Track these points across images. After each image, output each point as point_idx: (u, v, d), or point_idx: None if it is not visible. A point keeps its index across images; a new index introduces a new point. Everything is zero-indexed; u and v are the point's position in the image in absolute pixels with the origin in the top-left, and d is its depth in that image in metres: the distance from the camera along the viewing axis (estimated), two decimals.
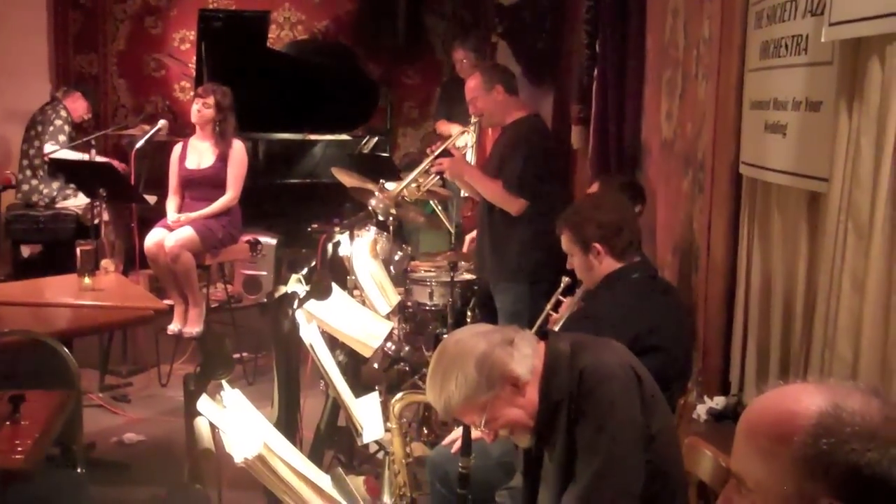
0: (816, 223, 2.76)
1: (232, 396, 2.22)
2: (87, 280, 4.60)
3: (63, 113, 7.19)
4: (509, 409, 2.33)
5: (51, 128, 7.09)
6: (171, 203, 5.98)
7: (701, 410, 3.37)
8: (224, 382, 2.26)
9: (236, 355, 5.64)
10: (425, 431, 4.63)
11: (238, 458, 1.98)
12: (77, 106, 7.34)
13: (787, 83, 2.93)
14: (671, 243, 4.40)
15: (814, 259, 2.78)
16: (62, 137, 7.10)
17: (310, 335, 2.95)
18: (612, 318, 3.02)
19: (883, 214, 2.27)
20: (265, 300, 6.59)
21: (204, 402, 2.13)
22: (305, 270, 3.89)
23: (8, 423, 2.83)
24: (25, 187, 7.11)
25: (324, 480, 2.33)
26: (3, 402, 2.94)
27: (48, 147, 7.00)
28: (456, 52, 7.22)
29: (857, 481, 1.24)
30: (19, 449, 2.71)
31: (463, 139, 5.35)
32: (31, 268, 6.97)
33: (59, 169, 6.68)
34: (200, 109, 5.88)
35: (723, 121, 3.59)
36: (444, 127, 7.03)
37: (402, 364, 5.09)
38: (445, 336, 2.51)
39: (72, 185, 7.00)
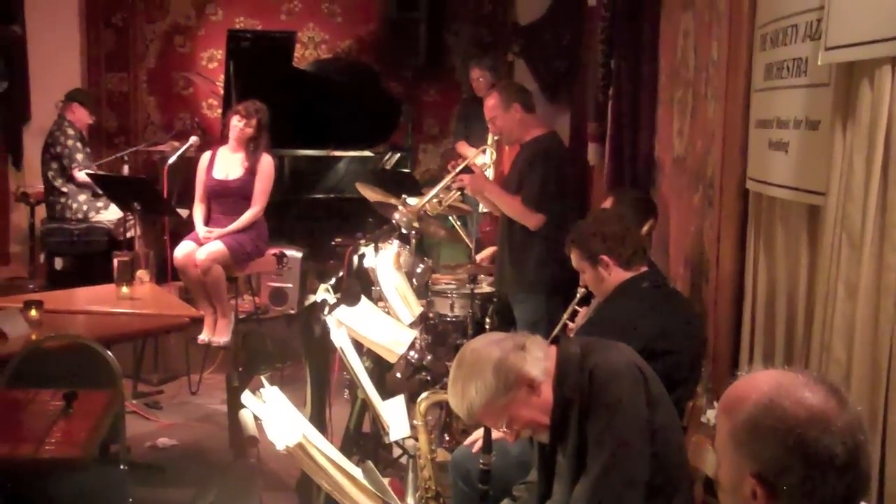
0: (816, 235, 2.93)
1: (271, 393, 2.42)
2: (124, 289, 4.81)
3: (70, 131, 7.36)
4: (527, 409, 2.52)
5: (66, 150, 7.27)
6: (198, 212, 6.17)
7: (710, 415, 3.52)
8: (264, 379, 2.46)
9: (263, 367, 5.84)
10: (446, 438, 4.79)
11: (280, 446, 2.18)
12: (79, 115, 7.50)
13: (789, 103, 3.09)
14: (683, 256, 4.56)
15: (813, 269, 2.94)
16: (80, 156, 7.31)
17: (340, 340, 3.15)
18: (623, 325, 3.19)
19: (872, 226, 2.44)
20: (291, 311, 6.79)
21: (247, 396, 2.33)
22: (333, 280, 4.08)
23: (62, 417, 3.04)
24: (58, 206, 7.33)
25: (356, 472, 2.52)
26: (57, 398, 3.16)
27: (78, 169, 7.22)
28: (472, 71, 7.44)
29: (768, 468, 1.47)
30: (74, 441, 2.91)
31: (482, 157, 5.52)
32: (64, 279, 7.17)
33: (97, 183, 6.88)
34: (243, 128, 6.05)
35: (730, 139, 3.75)
36: (464, 149, 7.23)
37: (423, 373, 5.26)
38: (462, 346, 2.70)
39: (102, 199, 7.22)
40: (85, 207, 7.34)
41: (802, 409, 1.47)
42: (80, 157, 7.31)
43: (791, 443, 1.45)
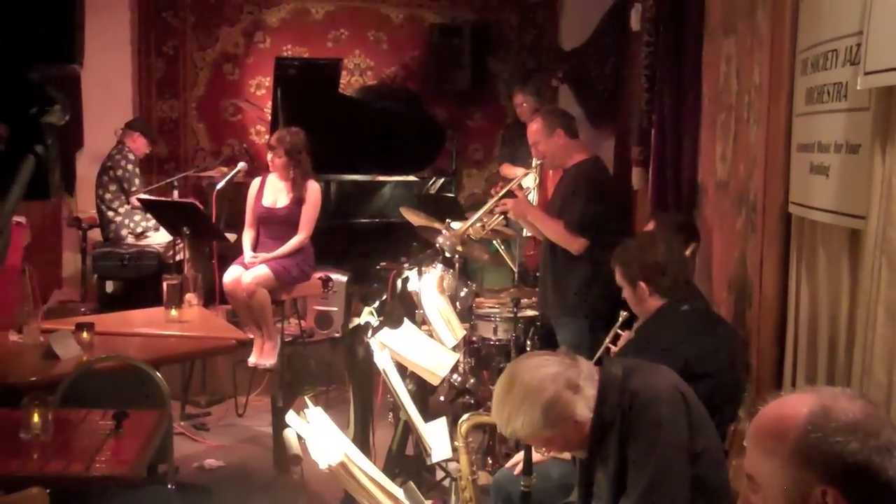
0: (857, 259, 2.92)
1: (315, 413, 2.47)
2: (174, 312, 4.90)
3: (130, 156, 7.52)
4: (567, 440, 2.61)
5: (126, 174, 7.44)
6: (247, 237, 6.26)
7: None
8: (308, 400, 2.51)
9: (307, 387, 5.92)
10: (489, 461, 4.81)
11: (323, 464, 2.22)
12: (138, 144, 7.66)
13: (830, 127, 3.10)
14: (727, 280, 4.56)
15: (854, 292, 2.94)
16: (137, 181, 7.49)
17: (383, 361, 3.19)
18: (663, 347, 3.21)
19: None
20: (336, 335, 6.84)
21: (291, 416, 2.38)
22: (377, 304, 4.13)
23: (112, 437, 3.12)
24: (112, 226, 7.48)
25: (398, 493, 2.56)
26: (107, 418, 3.24)
27: (135, 193, 7.38)
28: (516, 96, 7.50)
29: (844, 468, 1.49)
30: (123, 460, 2.99)
31: (526, 181, 5.56)
32: (114, 302, 7.29)
33: (148, 208, 7.01)
34: (273, 160, 6.15)
35: (772, 163, 3.75)
36: (508, 170, 7.28)
37: (466, 397, 5.29)
38: (512, 362, 2.73)
39: (152, 222, 7.36)
40: (141, 228, 7.48)
41: (851, 411, 1.53)
42: (137, 181, 7.48)
43: (856, 439, 1.49)
